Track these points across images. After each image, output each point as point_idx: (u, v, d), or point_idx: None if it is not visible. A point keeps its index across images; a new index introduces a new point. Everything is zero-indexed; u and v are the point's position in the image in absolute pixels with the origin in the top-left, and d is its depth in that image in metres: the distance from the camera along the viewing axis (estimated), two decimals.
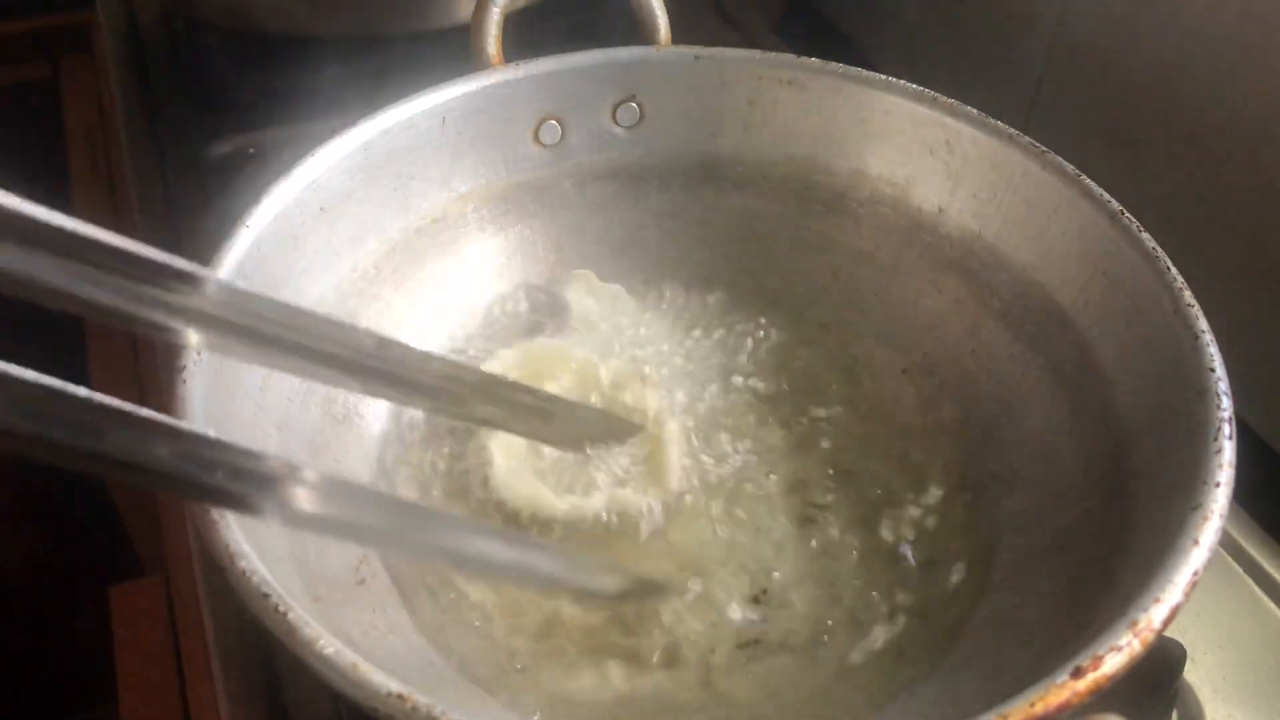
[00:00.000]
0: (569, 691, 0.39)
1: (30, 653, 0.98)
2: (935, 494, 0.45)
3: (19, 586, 0.99)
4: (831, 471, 0.47)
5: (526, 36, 0.52)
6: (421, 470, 0.46)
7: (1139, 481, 0.37)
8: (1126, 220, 0.41)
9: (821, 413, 0.49)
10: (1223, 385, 0.35)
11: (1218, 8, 0.51)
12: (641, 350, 0.51)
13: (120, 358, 0.64)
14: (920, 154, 0.49)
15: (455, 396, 0.38)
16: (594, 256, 0.54)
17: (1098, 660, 0.28)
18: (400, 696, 0.27)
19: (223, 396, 0.37)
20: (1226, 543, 0.49)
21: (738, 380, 0.50)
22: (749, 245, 0.54)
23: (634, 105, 0.52)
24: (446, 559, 0.38)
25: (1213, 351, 0.36)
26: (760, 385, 0.50)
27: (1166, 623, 0.29)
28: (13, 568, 1.00)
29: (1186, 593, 0.30)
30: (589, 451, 0.45)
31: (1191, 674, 0.43)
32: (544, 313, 0.53)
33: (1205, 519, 0.31)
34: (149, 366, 0.62)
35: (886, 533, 0.44)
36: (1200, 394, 0.35)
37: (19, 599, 0.98)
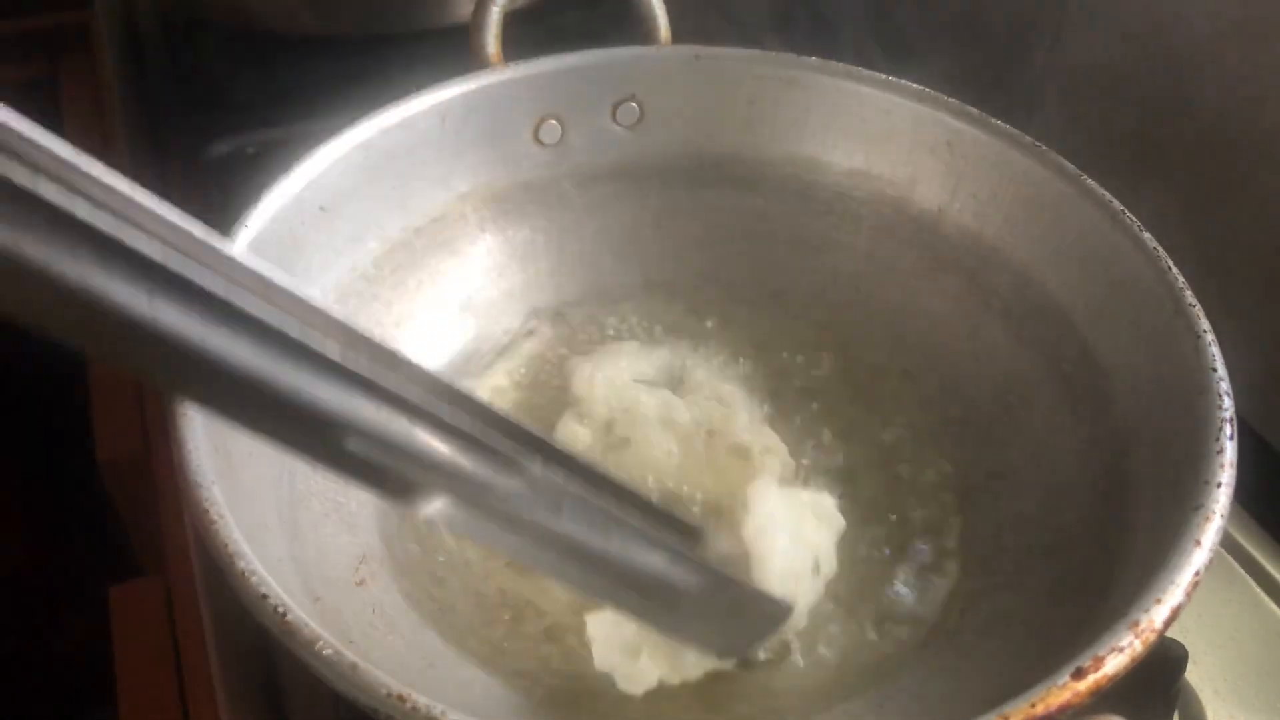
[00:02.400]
0: (570, 692, 0.39)
1: (29, 653, 0.98)
2: (935, 494, 0.45)
3: (17, 586, 0.99)
4: (832, 472, 0.47)
5: (526, 36, 0.52)
6: None
7: (1140, 481, 0.37)
8: (1128, 220, 0.41)
9: (821, 412, 0.49)
10: (1224, 385, 0.35)
11: (1218, 8, 0.51)
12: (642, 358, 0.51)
13: None
14: (921, 154, 0.49)
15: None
16: (593, 256, 0.54)
17: (1099, 661, 0.28)
18: (400, 697, 0.27)
19: None
20: (1228, 543, 0.49)
21: (737, 381, 0.50)
22: (749, 245, 0.53)
23: (634, 105, 0.52)
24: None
25: (1214, 351, 0.36)
26: (760, 385, 0.50)
27: (1168, 623, 0.29)
28: (11, 568, 1.00)
29: (1188, 593, 0.30)
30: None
31: (1193, 674, 0.43)
32: (544, 316, 0.53)
33: (1207, 519, 0.31)
34: None
35: (887, 533, 0.44)
36: (1201, 394, 0.35)
37: (17, 599, 0.98)
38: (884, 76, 0.49)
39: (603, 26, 0.63)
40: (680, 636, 0.36)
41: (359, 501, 0.43)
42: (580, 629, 0.41)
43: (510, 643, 0.40)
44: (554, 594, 0.42)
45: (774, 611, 0.38)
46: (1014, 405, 0.45)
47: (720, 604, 0.35)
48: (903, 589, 0.42)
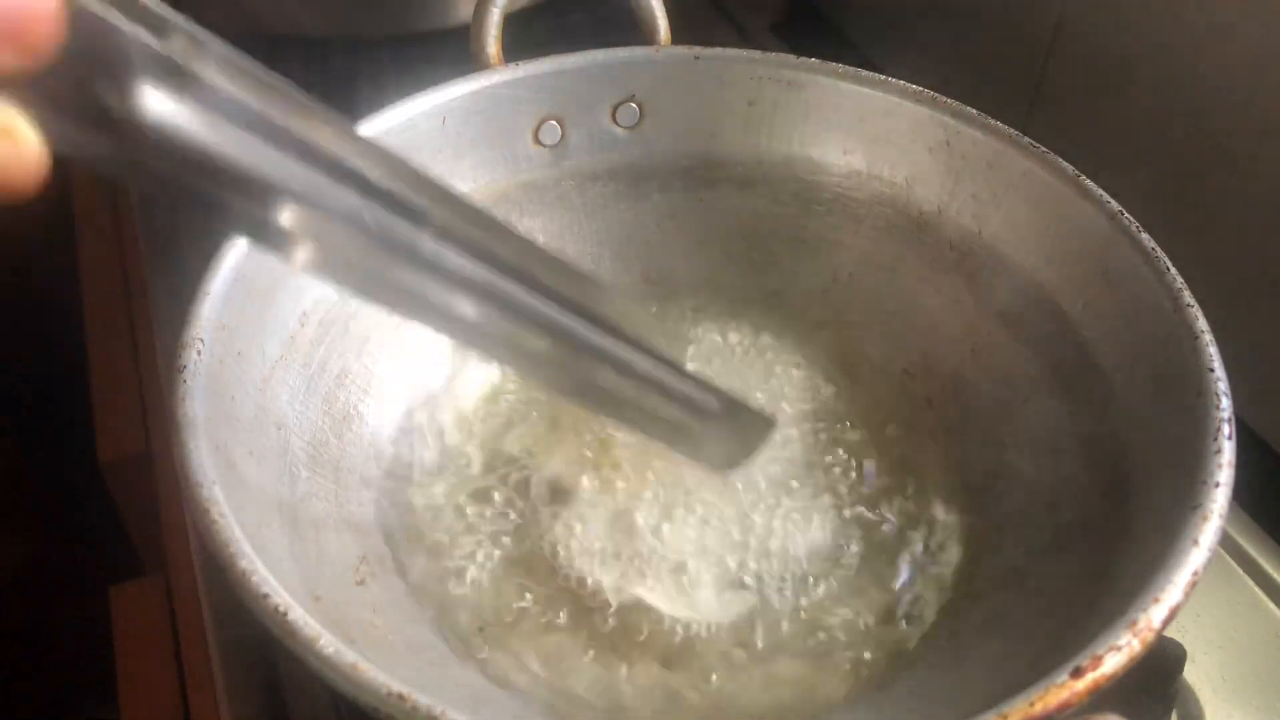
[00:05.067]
0: (570, 691, 0.39)
1: (30, 653, 0.98)
2: (934, 494, 0.45)
3: (18, 586, 0.99)
4: (830, 472, 0.47)
5: (526, 37, 0.52)
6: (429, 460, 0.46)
7: (1138, 481, 0.37)
8: (1126, 220, 0.41)
9: (820, 413, 0.49)
10: (1222, 385, 0.35)
11: (1218, 6, 0.51)
12: None
13: (121, 357, 0.64)
14: (920, 154, 0.49)
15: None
16: (594, 256, 0.54)
17: (1097, 660, 0.28)
18: (400, 696, 0.27)
19: (223, 396, 0.37)
20: (1226, 543, 0.49)
21: (736, 381, 0.50)
22: (749, 245, 0.54)
23: (634, 105, 0.52)
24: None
25: (1212, 351, 0.36)
26: (759, 385, 0.50)
27: (1166, 623, 0.30)
28: (12, 567, 1.00)
29: (1186, 593, 0.30)
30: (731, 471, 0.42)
31: (1191, 674, 0.43)
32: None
33: (1205, 519, 0.32)
34: (149, 366, 0.62)
35: (886, 532, 0.44)
36: (1199, 394, 0.35)
37: (18, 599, 0.98)
38: (884, 77, 0.49)
39: (603, 28, 0.63)
40: (683, 448, 0.39)
41: (360, 501, 0.44)
42: (577, 628, 0.41)
43: (511, 642, 0.40)
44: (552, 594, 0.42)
45: (761, 421, 0.41)
46: (1013, 405, 0.45)
47: (713, 410, 0.37)
48: (901, 588, 0.42)
